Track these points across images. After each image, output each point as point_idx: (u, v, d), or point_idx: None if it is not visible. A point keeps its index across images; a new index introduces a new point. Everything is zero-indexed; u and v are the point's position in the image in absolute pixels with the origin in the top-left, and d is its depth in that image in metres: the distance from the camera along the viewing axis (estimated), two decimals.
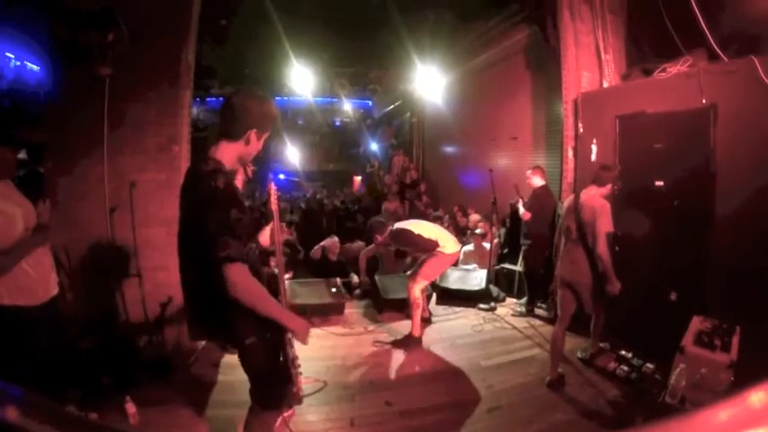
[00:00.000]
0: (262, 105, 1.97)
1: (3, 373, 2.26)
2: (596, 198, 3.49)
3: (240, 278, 1.77)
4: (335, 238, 6.53)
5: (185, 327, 4.02)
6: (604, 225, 3.35)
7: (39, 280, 2.52)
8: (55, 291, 2.68)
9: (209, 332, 2.25)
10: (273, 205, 2.39)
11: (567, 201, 3.81)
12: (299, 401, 2.17)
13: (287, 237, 6.27)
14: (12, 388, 0.61)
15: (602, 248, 3.33)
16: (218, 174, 1.83)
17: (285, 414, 2.75)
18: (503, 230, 6.54)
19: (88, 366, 3.21)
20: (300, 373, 2.19)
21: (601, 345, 4.09)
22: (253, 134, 1.95)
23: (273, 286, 2.21)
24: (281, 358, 2.10)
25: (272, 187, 2.45)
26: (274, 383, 2.10)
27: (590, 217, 3.42)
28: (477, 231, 6.52)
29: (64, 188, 3.77)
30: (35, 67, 3.68)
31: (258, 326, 1.92)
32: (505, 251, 6.41)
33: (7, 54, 3.45)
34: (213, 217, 1.76)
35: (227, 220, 1.77)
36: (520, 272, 5.89)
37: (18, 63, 3.55)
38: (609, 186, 3.58)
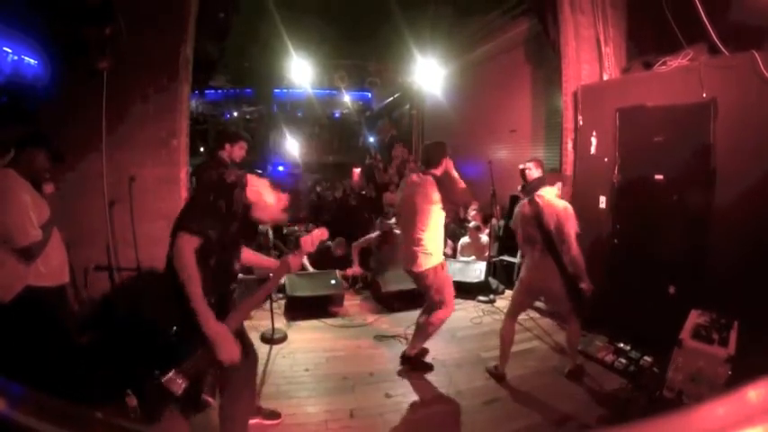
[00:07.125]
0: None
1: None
2: (555, 201, 3.40)
3: (185, 249, 1.84)
4: (341, 238, 6.49)
5: None
6: (573, 227, 3.29)
7: (65, 261, 2.94)
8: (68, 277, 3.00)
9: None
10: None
11: (520, 207, 3.58)
12: (201, 410, 2.14)
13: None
14: (10, 383, 0.61)
15: (576, 251, 3.27)
16: (218, 167, 2.06)
17: (252, 421, 2.71)
18: (502, 222, 6.53)
19: (88, 360, 3.22)
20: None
21: (598, 342, 4.08)
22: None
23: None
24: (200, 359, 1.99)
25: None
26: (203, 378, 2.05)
27: (554, 223, 3.32)
28: (471, 224, 6.52)
29: (62, 183, 3.76)
30: (33, 62, 3.66)
31: (183, 316, 1.91)
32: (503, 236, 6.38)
33: (4, 48, 3.42)
34: (197, 200, 1.99)
35: (206, 202, 1.93)
36: (518, 264, 5.89)
37: (15, 57, 3.52)
38: (559, 185, 3.54)
